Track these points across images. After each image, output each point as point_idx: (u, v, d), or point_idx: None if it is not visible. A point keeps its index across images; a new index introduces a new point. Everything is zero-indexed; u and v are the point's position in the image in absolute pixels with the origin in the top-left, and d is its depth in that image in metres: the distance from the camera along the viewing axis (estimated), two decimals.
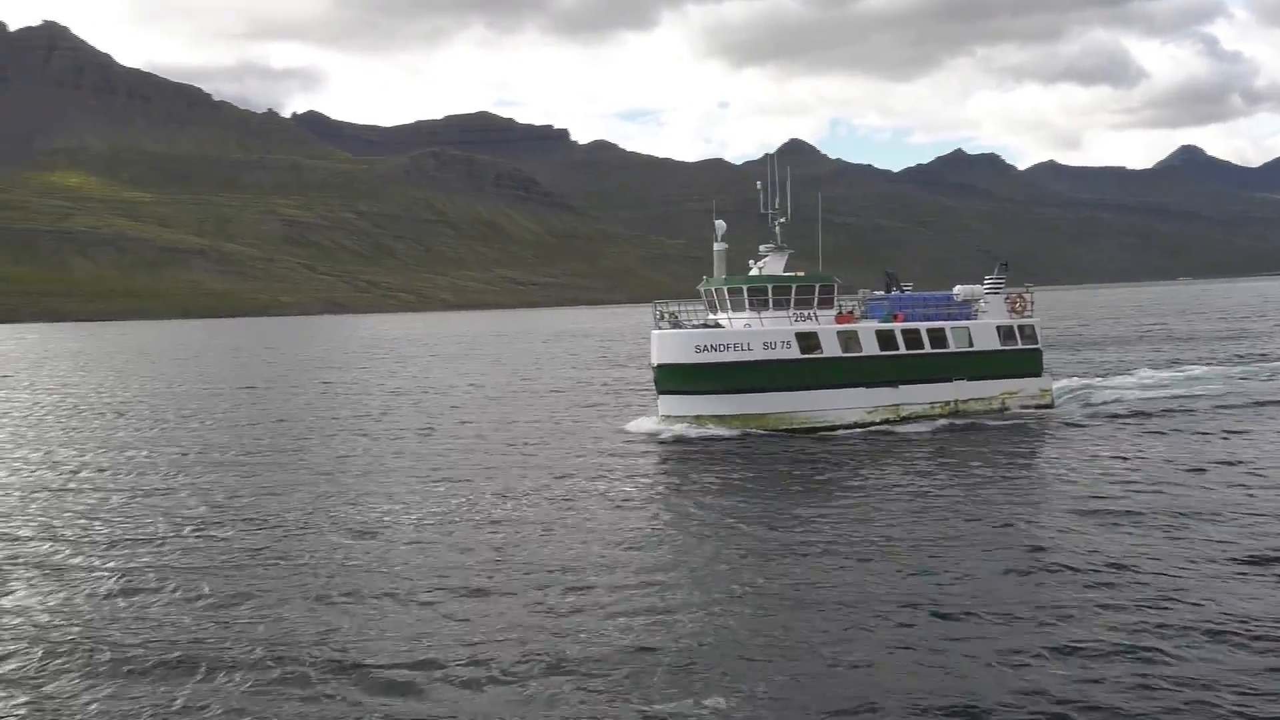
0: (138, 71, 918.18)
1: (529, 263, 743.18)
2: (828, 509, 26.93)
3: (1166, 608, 18.16)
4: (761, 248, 44.66)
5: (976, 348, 44.30)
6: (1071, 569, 20.81)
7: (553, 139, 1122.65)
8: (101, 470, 37.18)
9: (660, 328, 42.76)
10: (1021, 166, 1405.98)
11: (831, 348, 41.86)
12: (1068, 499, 27.64)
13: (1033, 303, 47.16)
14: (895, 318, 43.84)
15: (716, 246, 44.58)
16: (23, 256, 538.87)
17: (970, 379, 44.09)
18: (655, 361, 42.37)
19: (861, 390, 42.10)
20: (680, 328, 42.67)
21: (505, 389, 66.36)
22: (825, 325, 42.14)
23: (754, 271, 44.26)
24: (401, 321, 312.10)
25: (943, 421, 42.42)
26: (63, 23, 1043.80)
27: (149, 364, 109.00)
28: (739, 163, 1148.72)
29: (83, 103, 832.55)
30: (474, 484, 31.78)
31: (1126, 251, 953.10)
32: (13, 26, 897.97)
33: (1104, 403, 46.91)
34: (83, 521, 28.25)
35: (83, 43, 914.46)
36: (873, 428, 41.61)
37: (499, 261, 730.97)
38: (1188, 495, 27.73)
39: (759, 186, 45.55)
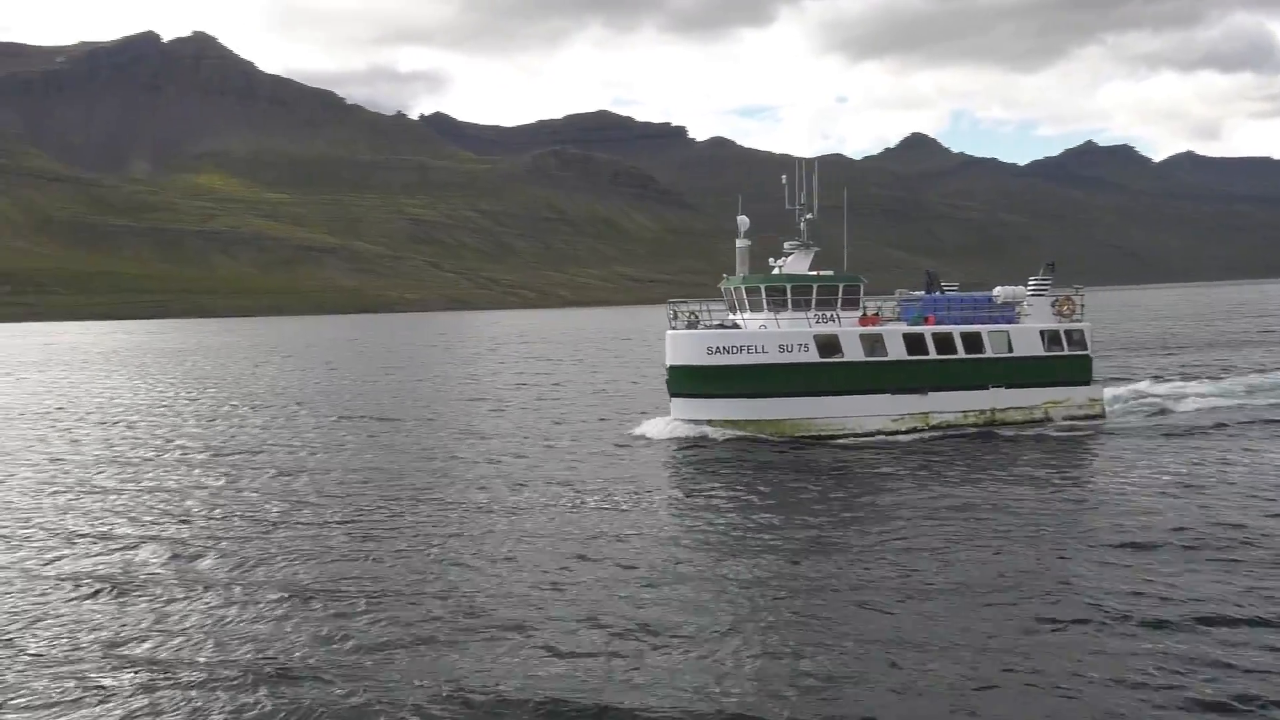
0: (277, 77, 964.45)
1: (646, 260, 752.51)
2: (826, 527, 24.92)
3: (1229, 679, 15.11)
4: (786, 245, 42.74)
5: (1017, 353, 41.62)
6: (1109, 618, 17.68)
7: (670, 136, 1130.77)
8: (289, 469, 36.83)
9: (675, 327, 41.19)
10: (1157, 158, 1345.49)
11: (853, 351, 39.76)
12: (1093, 525, 24.68)
13: (1083, 305, 44.14)
14: (926, 320, 41.57)
15: (739, 243, 42.71)
16: (171, 255, 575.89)
17: (1009, 386, 41.36)
18: (668, 362, 41.04)
19: (886, 397, 39.99)
20: (696, 328, 41.05)
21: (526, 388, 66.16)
22: (847, 328, 40.09)
23: (776, 270, 42.37)
24: (522, 317, 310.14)
25: (976, 432, 40.06)
26: (211, 32, 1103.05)
27: (336, 356, 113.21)
28: (858, 157, 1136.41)
29: (228, 109, 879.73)
30: (456, 488, 31.31)
31: (1272, 246, 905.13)
32: (166, 37, 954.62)
33: (1169, 413, 43.31)
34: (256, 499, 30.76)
35: (228, 51, 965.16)
36: (898, 437, 39.43)
37: (616, 259, 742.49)
38: (1245, 525, 23.80)
39: (784, 181, 42.95)
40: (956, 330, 41.07)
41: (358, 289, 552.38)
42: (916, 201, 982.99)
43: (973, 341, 41.15)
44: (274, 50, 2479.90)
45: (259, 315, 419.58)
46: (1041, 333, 42.33)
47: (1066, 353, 42.45)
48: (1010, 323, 42.39)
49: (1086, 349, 42.92)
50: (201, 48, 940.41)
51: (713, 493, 30.00)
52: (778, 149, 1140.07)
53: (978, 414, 41.00)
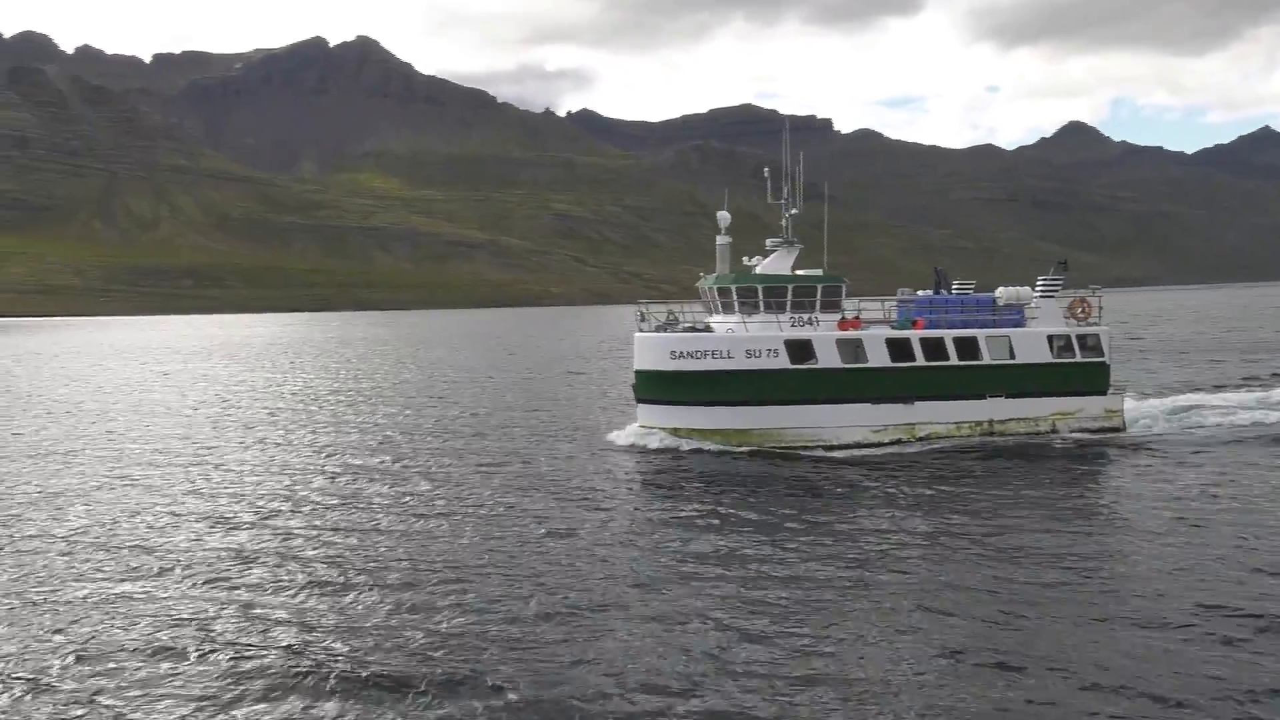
0: (433, 78, 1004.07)
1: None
2: (776, 555, 22.68)
3: None
4: (768, 242, 40.15)
5: (1019, 360, 38.45)
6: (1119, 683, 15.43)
7: (815, 129, 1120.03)
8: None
9: (642, 330, 38.94)
10: None
11: (829, 357, 36.99)
12: (1096, 550, 22.57)
13: (1100, 308, 40.62)
14: (915, 324, 38.77)
15: (719, 240, 40.16)
16: (335, 250, 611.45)
17: (1010, 396, 38.29)
18: (635, 366, 38.99)
19: (866, 406, 37.24)
20: (666, 330, 38.84)
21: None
22: (822, 332, 37.38)
23: (759, 270, 39.81)
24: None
25: (972, 445, 36.96)
26: (373, 36, 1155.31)
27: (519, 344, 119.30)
28: (1010, 148, 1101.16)
29: (388, 110, 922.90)
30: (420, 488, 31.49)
31: None
32: (332, 42, 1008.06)
33: (1202, 427, 39.62)
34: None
35: (389, 54, 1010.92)
36: (881, 450, 36.47)
37: (757, 252, 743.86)
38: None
39: (765, 173, 41.42)
40: (948, 335, 38.07)
41: (505, 283, 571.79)
42: (1073, 192, 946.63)
43: (967, 347, 38.11)
44: (430, 52, 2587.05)
45: (412, 308, 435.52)
46: (1049, 338, 39.04)
47: (1079, 359, 39.09)
48: (1018, 326, 39.18)
49: (1103, 355, 39.47)
50: (364, 51, 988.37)
51: (655, 511, 27.92)
52: (926, 140, 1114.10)
53: (973, 426, 38.06)
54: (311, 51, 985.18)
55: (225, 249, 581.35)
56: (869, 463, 34.42)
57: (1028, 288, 40.72)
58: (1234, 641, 16.98)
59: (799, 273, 39.25)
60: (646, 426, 38.30)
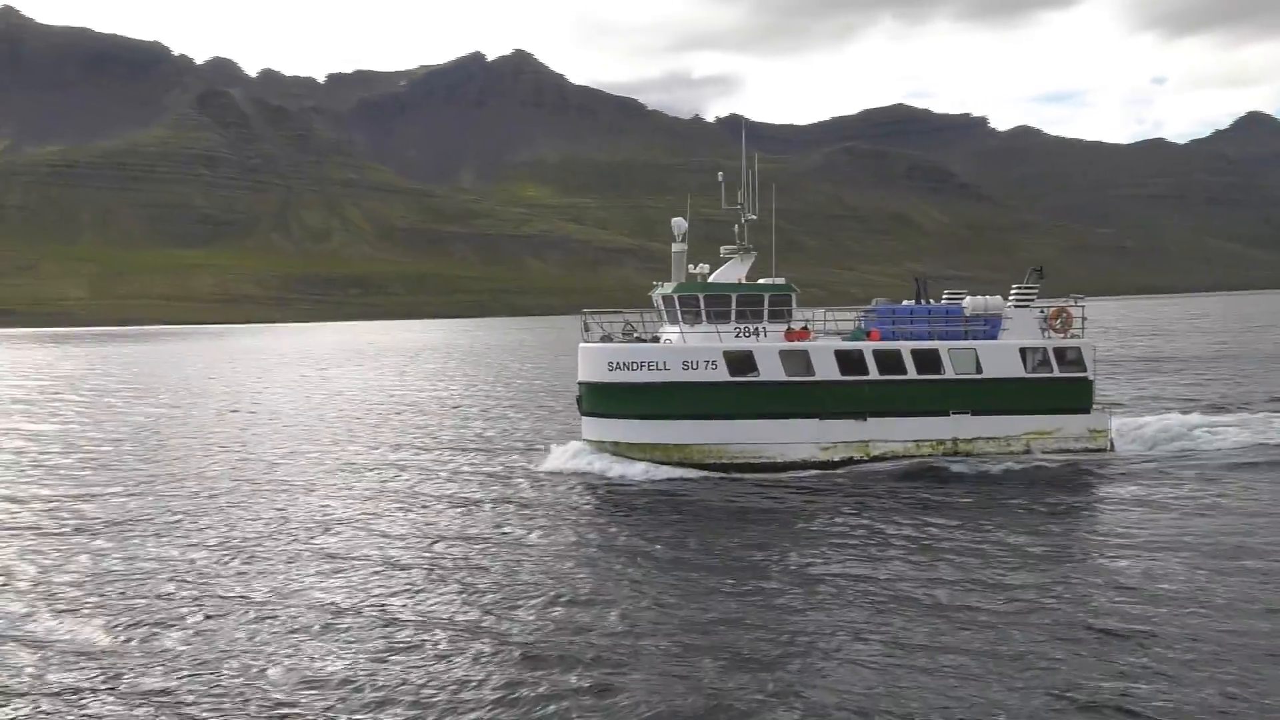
0: (585, 88, 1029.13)
1: (938, 256, 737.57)
2: (684, 585, 21.75)
3: None
4: (723, 249, 38.76)
5: (987, 374, 35.85)
6: None
7: (970, 127, 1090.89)
8: None
9: (587, 340, 37.51)
10: None
11: (771, 370, 35.14)
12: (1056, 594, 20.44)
13: (1083, 320, 37.68)
14: (870, 335, 36.83)
15: (674, 248, 38.84)
16: (491, 258, 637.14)
17: (977, 413, 35.77)
18: (578, 378, 37.95)
19: (814, 423, 35.19)
20: (611, 340, 37.49)
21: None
22: (765, 343, 35.61)
23: (715, 277, 38.56)
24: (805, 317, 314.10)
25: (933, 465, 34.80)
26: (528, 49, 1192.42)
27: None
28: (1181, 141, 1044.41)
29: (542, 120, 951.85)
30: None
31: None
32: (490, 56, 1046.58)
33: (1204, 450, 36.17)
34: None
35: (543, 66, 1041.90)
36: (833, 469, 34.65)
37: (907, 254, 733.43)
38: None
39: (720, 178, 39.74)
40: (906, 347, 35.81)
41: (651, 288, 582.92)
42: (1252, 187, 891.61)
43: (928, 360, 35.78)
44: (581, 62, 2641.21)
45: (564, 314, 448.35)
46: (1023, 351, 36.39)
47: (1057, 375, 36.34)
48: (990, 338, 36.61)
49: (1085, 371, 36.55)
50: (520, 64, 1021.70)
51: (580, 533, 27.25)
52: (1088, 135, 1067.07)
53: (934, 445, 35.71)
54: (471, 66, 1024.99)
55: (390, 258, 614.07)
56: (812, 486, 32.28)
57: (999, 297, 37.90)
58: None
59: (744, 281, 37.64)
60: (590, 440, 36.87)
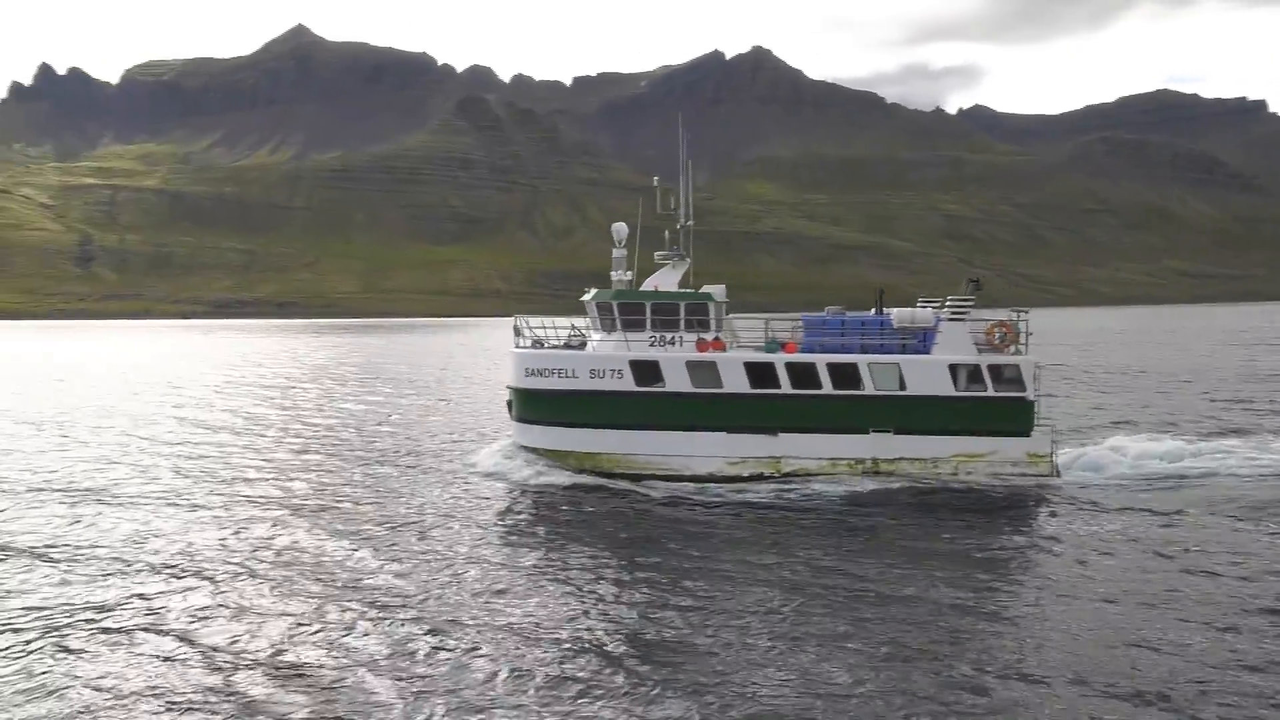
0: (822, 83, 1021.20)
1: (1203, 253, 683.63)
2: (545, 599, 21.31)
3: None
4: (657, 255, 37.76)
5: (911, 391, 33.70)
6: None
7: (1245, 113, 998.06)
8: None
9: (518, 345, 36.95)
10: None
11: (678, 381, 34.29)
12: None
13: (1027, 335, 34.69)
14: (785, 347, 35.07)
15: (615, 253, 38.06)
16: (722, 255, 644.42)
17: (900, 431, 33.73)
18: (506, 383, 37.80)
19: (721, 436, 34.21)
20: (542, 346, 37.05)
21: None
22: (673, 353, 34.78)
23: (648, 285, 37.59)
24: (1051, 317, 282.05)
25: (857, 487, 32.39)
26: (766, 45, 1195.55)
27: None
28: None
29: (776, 116, 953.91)
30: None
31: None
32: (729, 55, 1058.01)
33: (1164, 478, 32.97)
34: None
35: (781, 62, 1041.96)
36: (742, 484, 33.34)
37: (1167, 252, 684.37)
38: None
39: (655, 182, 38.80)
40: (822, 360, 34.08)
41: (887, 285, 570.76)
42: None
43: (845, 374, 33.92)
44: (818, 58, 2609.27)
45: (794, 310, 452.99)
46: (953, 367, 33.82)
47: (991, 394, 33.61)
48: (919, 353, 34.37)
49: (1024, 390, 33.70)
50: (758, 61, 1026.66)
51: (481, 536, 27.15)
52: None
53: (852, 464, 33.86)
54: (709, 65, 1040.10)
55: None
56: (708, 501, 31.21)
57: (929, 309, 35.41)
58: None
59: (660, 289, 36.79)
60: (520, 444, 36.94)
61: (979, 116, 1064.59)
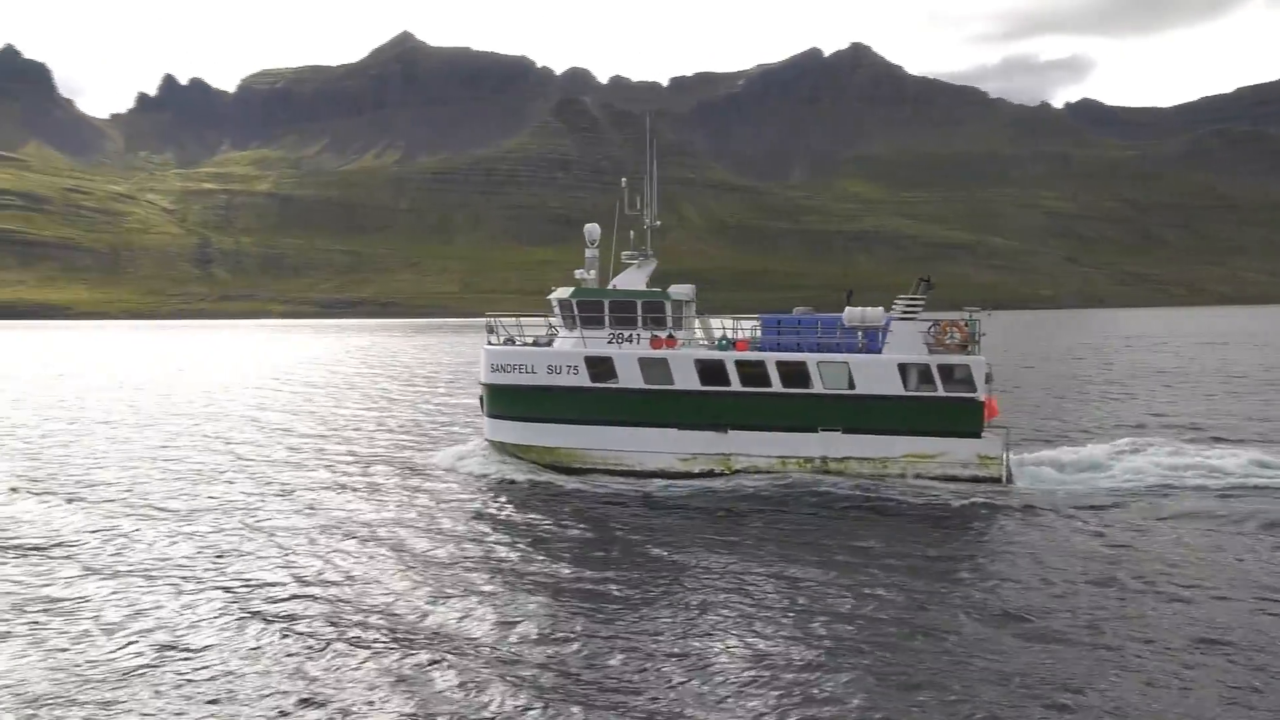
0: (922, 79, 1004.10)
1: None
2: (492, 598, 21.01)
3: None
4: (624, 255, 38.01)
5: (860, 390, 33.65)
6: None
7: None
8: None
9: (490, 343, 37.86)
10: None
11: (630, 378, 34.82)
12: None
13: (980, 335, 34.33)
14: (736, 345, 35.50)
15: (587, 254, 38.56)
16: (819, 254, 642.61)
17: (849, 430, 33.77)
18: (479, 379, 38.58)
19: (672, 432, 34.65)
20: (513, 343, 37.78)
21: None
22: (626, 350, 35.24)
23: (614, 284, 37.89)
24: (1165, 317, 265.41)
25: (807, 485, 32.48)
26: (865, 42, 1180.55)
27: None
28: None
29: (875, 113, 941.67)
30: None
31: None
32: (826, 52, 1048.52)
33: (1120, 480, 32.47)
34: None
35: (880, 58, 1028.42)
36: (693, 480, 33.70)
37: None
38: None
39: (623, 182, 38.93)
40: (771, 358, 34.25)
41: (991, 284, 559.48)
42: None
43: (794, 373, 33.99)
44: (919, 53, 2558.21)
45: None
46: (903, 367, 33.64)
47: (941, 394, 33.34)
48: (871, 351, 34.31)
49: (974, 391, 33.19)
50: (857, 58, 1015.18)
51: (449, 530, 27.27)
52: None
53: (801, 462, 34.06)
54: (807, 63, 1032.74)
55: (720, 254, 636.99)
56: (655, 500, 31.27)
57: (879, 308, 35.23)
58: None
59: (617, 288, 37.18)
60: (488, 439, 38.00)
61: (1087, 110, 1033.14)
